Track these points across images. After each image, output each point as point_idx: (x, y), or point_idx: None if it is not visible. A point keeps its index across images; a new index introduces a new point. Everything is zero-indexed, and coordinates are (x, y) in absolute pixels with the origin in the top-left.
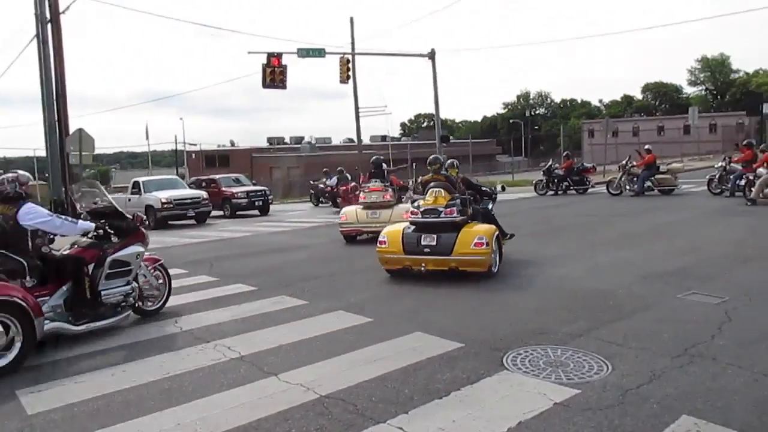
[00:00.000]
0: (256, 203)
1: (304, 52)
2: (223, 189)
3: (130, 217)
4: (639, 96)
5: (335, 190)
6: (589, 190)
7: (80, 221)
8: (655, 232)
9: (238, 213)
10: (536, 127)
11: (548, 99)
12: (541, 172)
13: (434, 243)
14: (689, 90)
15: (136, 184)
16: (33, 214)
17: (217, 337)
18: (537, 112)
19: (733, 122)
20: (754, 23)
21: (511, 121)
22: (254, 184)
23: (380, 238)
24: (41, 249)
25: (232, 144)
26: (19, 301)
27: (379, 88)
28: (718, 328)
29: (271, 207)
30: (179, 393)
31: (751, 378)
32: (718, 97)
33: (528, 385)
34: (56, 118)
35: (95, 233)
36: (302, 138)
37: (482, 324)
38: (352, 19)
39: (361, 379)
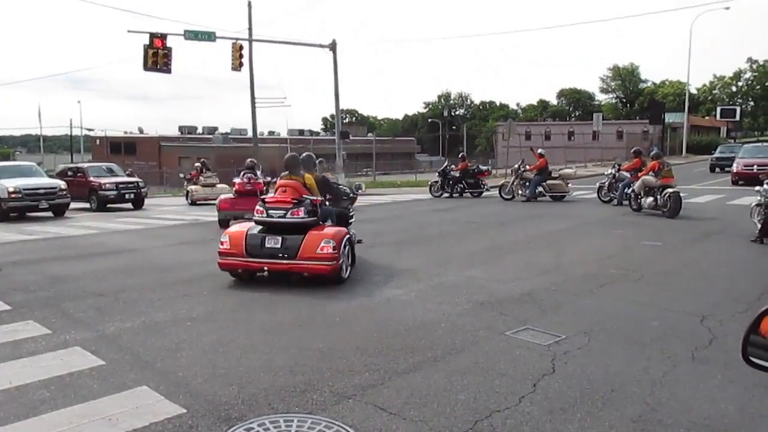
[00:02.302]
0: (127, 196)
1: (192, 35)
2: (91, 179)
3: None
4: (554, 101)
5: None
6: (485, 194)
7: None
8: (525, 243)
9: (108, 206)
10: (454, 128)
11: (468, 100)
12: (437, 173)
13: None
14: (601, 97)
15: None
16: None
17: None
18: (457, 112)
19: (638, 130)
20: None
21: (430, 120)
22: (129, 175)
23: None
24: None
25: (140, 131)
26: None
27: (281, 80)
28: (534, 385)
29: (148, 201)
30: None
31: None
32: (627, 105)
33: None
34: None
35: None
36: (216, 128)
37: (237, 375)
38: (249, 3)
39: None
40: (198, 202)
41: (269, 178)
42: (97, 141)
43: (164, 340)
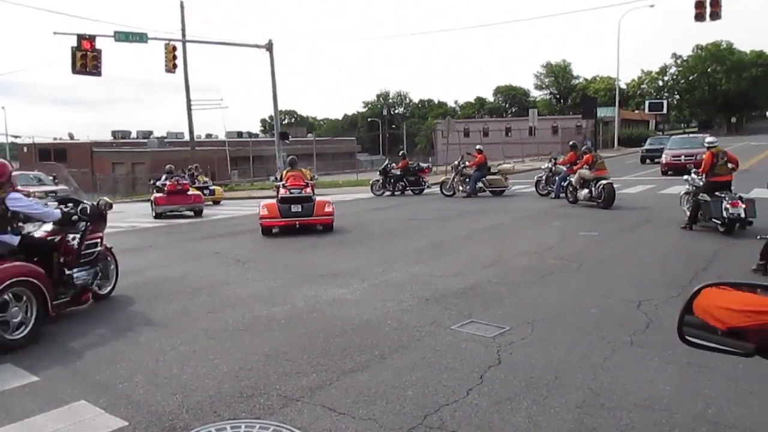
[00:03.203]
0: None
1: (123, 36)
2: (18, 189)
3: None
4: (491, 98)
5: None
6: (426, 191)
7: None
8: (467, 238)
9: None
10: (394, 126)
11: (407, 99)
12: (378, 172)
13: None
14: (536, 93)
15: None
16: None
17: None
18: (396, 111)
19: (572, 125)
20: (592, 32)
21: (370, 120)
22: (56, 184)
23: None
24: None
25: (71, 137)
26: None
27: (218, 81)
28: (481, 377)
29: None
30: None
31: None
32: (561, 101)
33: None
34: None
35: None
36: (150, 132)
37: (180, 383)
38: (182, 4)
39: None
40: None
41: (206, 179)
42: (25, 148)
43: (103, 351)
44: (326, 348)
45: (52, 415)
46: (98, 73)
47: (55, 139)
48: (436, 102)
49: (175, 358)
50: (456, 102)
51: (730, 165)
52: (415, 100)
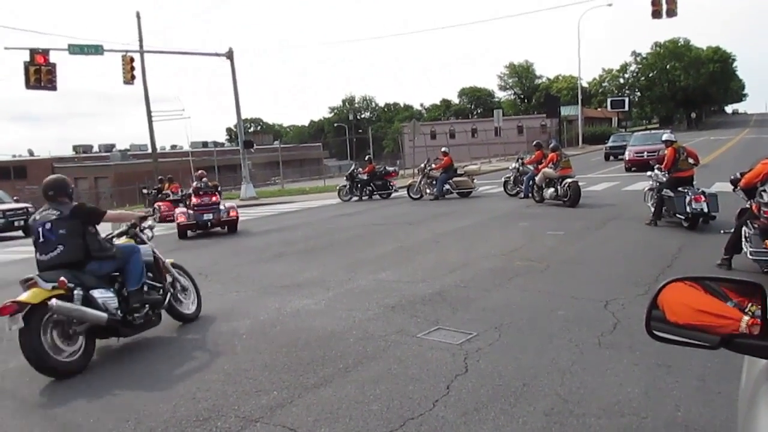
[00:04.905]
0: (16, 223)
1: (77, 49)
2: None
3: None
4: (456, 100)
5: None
6: (393, 195)
7: None
8: (434, 242)
9: None
10: (360, 131)
11: (372, 103)
12: (345, 178)
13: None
14: (500, 94)
15: None
16: None
17: None
18: (362, 116)
19: (537, 124)
20: (553, 32)
21: (335, 125)
22: (16, 201)
23: None
24: None
25: (31, 153)
26: None
27: (179, 91)
28: (447, 387)
29: None
30: None
31: None
32: (525, 100)
33: None
34: None
35: None
36: (113, 146)
37: (134, 409)
38: (138, 14)
39: None
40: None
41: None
42: None
43: (52, 379)
44: (288, 363)
45: None
46: (53, 88)
47: (14, 156)
48: (402, 105)
49: (128, 381)
50: (422, 105)
51: (690, 160)
52: (381, 104)
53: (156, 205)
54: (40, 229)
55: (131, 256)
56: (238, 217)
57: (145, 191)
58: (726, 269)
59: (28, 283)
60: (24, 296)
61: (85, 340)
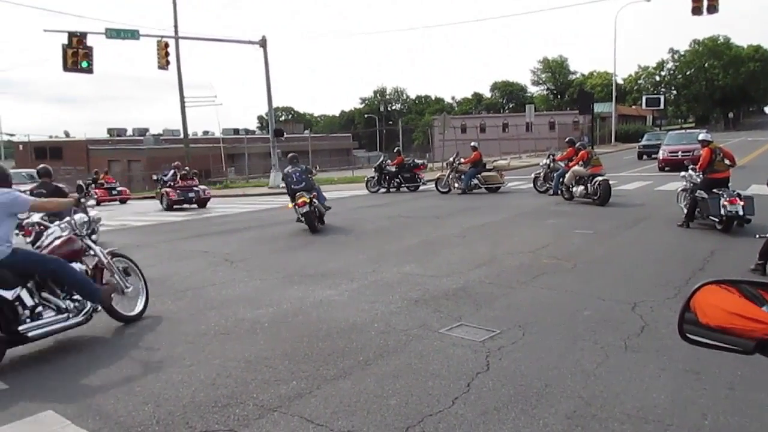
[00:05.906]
0: None
1: (114, 33)
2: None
3: None
4: (488, 94)
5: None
6: (421, 188)
7: None
8: (461, 237)
9: None
10: (390, 122)
11: (404, 95)
12: (373, 169)
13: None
14: (533, 89)
15: None
16: None
17: None
18: (393, 107)
19: (569, 120)
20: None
21: (366, 116)
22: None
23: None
24: None
25: (67, 135)
26: None
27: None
28: (468, 385)
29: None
30: None
31: None
32: (558, 96)
33: None
34: None
35: None
36: (146, 130)
37: (154, 392)
38: (174, 0)
39: None
40: None
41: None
42: (20, 146)
43: (75, 357)
44: (309, 353)
45: (17, 426)
46: (90, 71)
47: (50, 137)
48: (434, 98)
49: (150, 365)
50: (453, 98)
51: (726, 161)
52: (412, 96)
53: (93, 192)
54: None
55: None
56: (210, 197)
57: (154, 177)
58: (760, 274)
59: None
60: None
61: None
